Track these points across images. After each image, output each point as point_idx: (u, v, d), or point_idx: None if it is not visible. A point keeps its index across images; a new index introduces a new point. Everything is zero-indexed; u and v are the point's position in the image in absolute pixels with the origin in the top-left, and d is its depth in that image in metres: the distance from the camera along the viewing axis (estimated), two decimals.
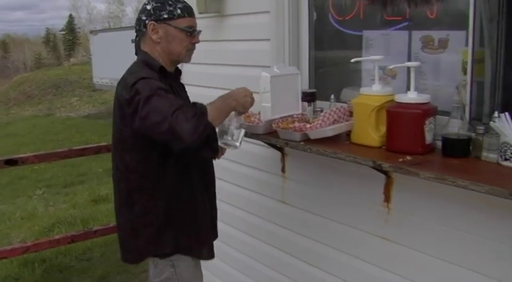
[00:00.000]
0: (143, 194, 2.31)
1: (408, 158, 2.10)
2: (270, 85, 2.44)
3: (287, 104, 2.55)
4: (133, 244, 2.38)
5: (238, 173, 3.39)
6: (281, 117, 2.58)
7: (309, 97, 2.70)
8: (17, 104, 30.38)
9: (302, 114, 2.67)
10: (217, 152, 2.22)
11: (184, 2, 2.36)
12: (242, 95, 2.27)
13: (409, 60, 2.49)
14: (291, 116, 2.62)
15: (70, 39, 67.98)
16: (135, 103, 2.11)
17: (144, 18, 2.31)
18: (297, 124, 2.46)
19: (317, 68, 3.00)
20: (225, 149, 2.56)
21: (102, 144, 3.80)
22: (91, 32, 23.72)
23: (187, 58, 2.41)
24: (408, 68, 2.37)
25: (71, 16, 70.88)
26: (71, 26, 70.14)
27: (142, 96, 2.09)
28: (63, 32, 71.56)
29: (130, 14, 68.53)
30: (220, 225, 2.77)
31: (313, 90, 2.79)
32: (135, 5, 67.70)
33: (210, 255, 2.54)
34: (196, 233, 2.43)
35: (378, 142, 2.25)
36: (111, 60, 18.89)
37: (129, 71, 2.31)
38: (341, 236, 2.77)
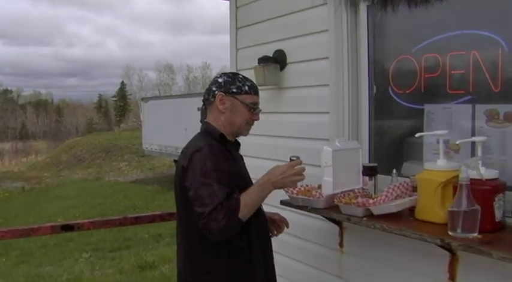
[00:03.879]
0: (206, 254, 2.40)
1: (477, 235, 2.03)
2: (331, 159, 2.44)
3: (348, 178, 2.53)
4: None
5: (296, 247, 3.33)
6: (342, 192, 2.55)
7: (370, 171, 2.66)
8: (68, 167, 31.24)
9: (363, 189, 2.64)
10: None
11: (252, 82, 2.55)
12: (278, 174, 2.35)
13: (473, 134, 2.45)
14: (352, 190, 2.59)
15: (121, 106, 70.09)
16: (189, 174, 2.33)
17: (214, 88, 2.50)
18: (360, 199, 2.42)
19: (377, 142, 2.99)
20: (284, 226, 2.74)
21: (157, 213, 3.80)
22: (142, 99, 24.36)
23: (245, 131, 2.55)
24: (473, 143, 2.33)
25: (122, 83, 73.36)
26: (122, 93, 72.47)
27: (195, 172, 2.31)
28: (114, 98, 73.93)
29: (180, 82, 70.48)
30: None
31: (375, 164, 2.74)
32: (185, 73, 69.89)
33: None
34: None
35: (444, 219, 2.16)
36: (161, 127, 19.30)
37: (192, 141, 2.51)
38: None
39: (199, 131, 2.55)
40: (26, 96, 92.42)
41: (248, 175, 2.60)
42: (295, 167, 2.35)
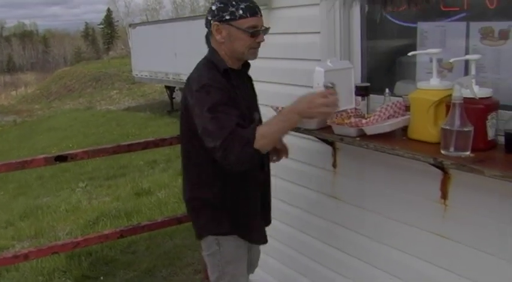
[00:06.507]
0: (202, 180, 2.50)
1: (470, 154, 2.03)
2: (323, 80, 2.40)
3: (341, 98, 2.50)
4: (196, 223, 2.62)
5: (289, 168, 3.35)
6: (335, 112, 2.53)
7: (362, 91, 2.65)
8: (58, 98, 31.07)
9: (356, 109, 2.63)
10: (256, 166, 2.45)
11: (249, 2, 2.36)
12: (306, 103, 2.19)
13: (466, 53, 2.41)
14: (345, 111, 2.58)
15: (109, 33, 68.93)
16: (196, 110, 2.28)
17: (209, 18, 2.37)
18: (353, 119, 2.42)
19: (369, 61, 2.94)
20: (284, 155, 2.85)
21: (150, 139, 3.79)
22: (129, 25, 23.88)
23: (251, 56, 2.44)
24: (467, 61, 2.30)
25: (108, 10, 71.76)
26: (109, 20, 71.05)
27: (202, 109, 2.24)
28: (101, 26, 72.54)
29: (167, 6, 69.02)
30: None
31: (367, 84, 2.73)
32: None
33: (260, 240, 2.68)
34: (246, 218, 2.56)
35: (436, 138, 2.16)
36: (150, 53, 19.06)
37: (197, 71, 2.42)
38: (395, 232, 2.71)
39: (204, 56, 2.48)
40: (9, 28, 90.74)
41: (254, 100, 2.65)
42: (328, 96, 2.18)
